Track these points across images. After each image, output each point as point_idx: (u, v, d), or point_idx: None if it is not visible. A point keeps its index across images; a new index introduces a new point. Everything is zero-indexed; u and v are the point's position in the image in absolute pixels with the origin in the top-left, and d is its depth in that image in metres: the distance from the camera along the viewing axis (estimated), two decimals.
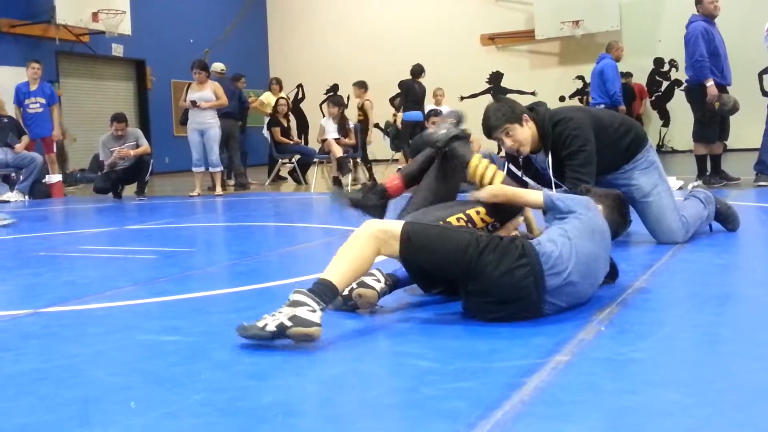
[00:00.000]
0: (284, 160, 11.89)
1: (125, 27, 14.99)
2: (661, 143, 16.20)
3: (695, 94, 7.64)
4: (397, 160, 13.91)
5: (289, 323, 2.40)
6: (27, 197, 10.10)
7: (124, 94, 17.14)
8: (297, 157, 11.65)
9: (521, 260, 2.61)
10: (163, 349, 2.55)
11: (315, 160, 11.54)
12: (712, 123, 7.64)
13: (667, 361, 2.26)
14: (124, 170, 9.71)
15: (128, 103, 16.99)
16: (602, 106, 9.02)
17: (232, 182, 11.43)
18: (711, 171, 7.78)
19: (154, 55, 16.79)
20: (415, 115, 11.45)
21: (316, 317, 2.42)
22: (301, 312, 2.41)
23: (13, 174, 10.47)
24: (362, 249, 2.62)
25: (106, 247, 5.31)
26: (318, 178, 11.32)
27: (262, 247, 5.25)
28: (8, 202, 9.75)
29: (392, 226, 2.69)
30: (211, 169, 9.92)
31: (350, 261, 2.60)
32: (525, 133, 3.94)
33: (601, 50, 10.20)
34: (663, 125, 16.46)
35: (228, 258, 4.84)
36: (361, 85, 12.17)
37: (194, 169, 9.99)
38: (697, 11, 7.68)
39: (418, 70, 11.74)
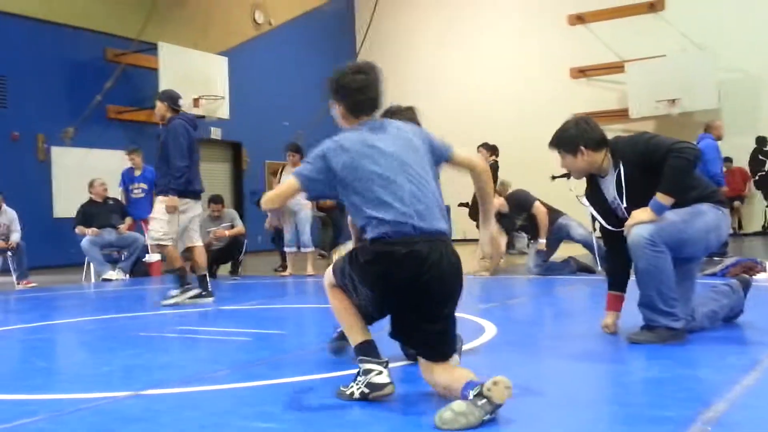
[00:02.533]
0: None
1: (224, 111, 15.65)
2: (765, 224, 15.59)
3: None
4: None
5: (367, 390, 2.93)
6: (127, 276, 10.47)
7: (220, 175, 17.75)
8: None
9: None
10: None
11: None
12: None
13: None
14: (219, 250, 9.99)
15: (224, 184, 17.57)
16: None
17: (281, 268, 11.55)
18: None
19: (250, 138, 17.40)
20: None
21: (385, 377, 2.93)
22: (372, 378, 2.92)
23: (115, 253, 10.90)
24: (339, 301, 3.10)
25: (201, 328, 5.42)
26: None
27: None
28: (110, 280, 10.13)
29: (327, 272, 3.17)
30: (302, 249, 10.07)
31: (348, 315, 3.08)
32: (574, 164, 4.10)
33: (700, 129, 9.96)
34: None
35: (320, 341, 4.85)
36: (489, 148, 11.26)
37: (286, 249, 10.17)
38: None
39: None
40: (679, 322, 3.94)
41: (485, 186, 3.32)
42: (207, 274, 7.19)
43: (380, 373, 2.93)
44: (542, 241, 8.25)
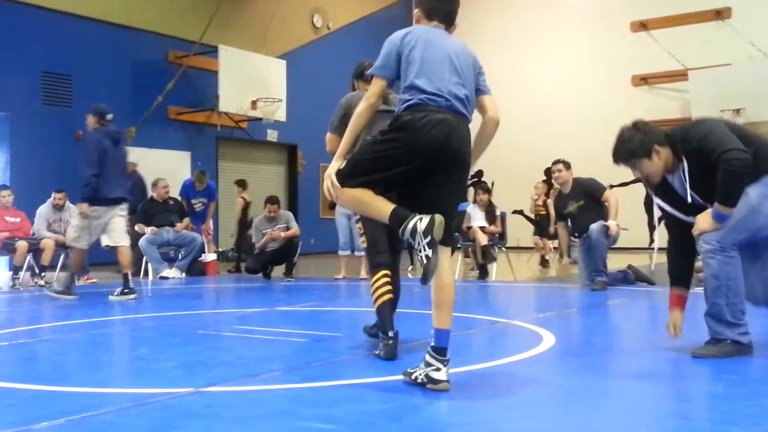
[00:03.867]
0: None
1: (281, 114, 15.82)
2: None
3: None
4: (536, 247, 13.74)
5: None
6: (184, 274, 10.64)
7: (276, 177, 17.95)
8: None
9: None
10: None
11: (458, 246, 11.53)
12: None
13: None
14: (274, 251, 10.08)
15: (280, 186, 17.76)
16: None
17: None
18: None
19: (305, 140, 17.54)
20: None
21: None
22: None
23: (172, 252, 11.08)
24: (358, 193, 3.29)
25: (258, 328, 5.47)
26: (461, 265, 11.29)
27: (405, 334, 5.24)
28: (167, 278, 10.31)
29: None
30: (356, 253, 10.10)
31: (371, 197, 3.27)
32: (653, 167, 3.95)
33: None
34: None
35: (376, 344, 4.86)
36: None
37: (340, 252, 10.22)
38: None
39: None
40: (747, 336, 3.84)
41: (487, 137, 3.49)
42: (129, 273, 7.63)
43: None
44: (613, 222, 8.00)
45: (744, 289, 3.82)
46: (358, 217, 4.48)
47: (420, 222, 3.10)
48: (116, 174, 7.63)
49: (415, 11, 3.60)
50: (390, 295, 4.11)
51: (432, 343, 3.24)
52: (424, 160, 3.21)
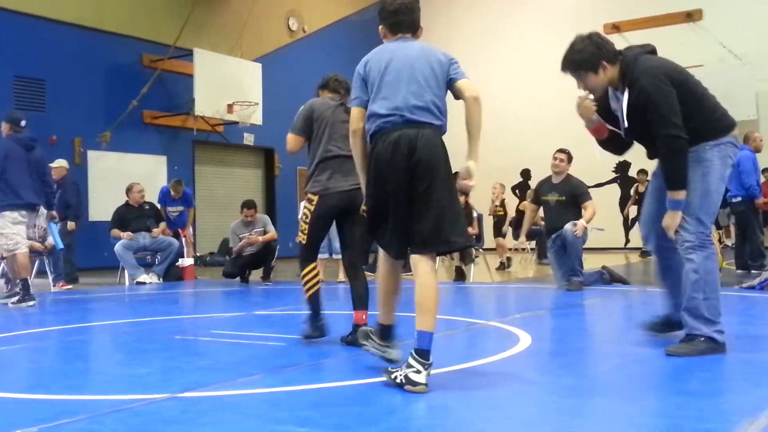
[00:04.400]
0: None
1: (257, 117, 15.78)
2: None
3: None
4: (521, 249, 13.81)
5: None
6: (161, 279, 10.57)
7: (252, 181, 17.89)
8: None
9: None
10: None
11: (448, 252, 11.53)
12: None
13: None
14: (251, 256, 10.05)
15: (256, 190, 17.71)
16: (739, 199, 8.66)
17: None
18: None
19: (282, 143, 17.31)
20: None
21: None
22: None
23: (149, 257, 11.01)
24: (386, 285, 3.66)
25: (236, 332, 5.45)
26: (439, 267, 11.32)
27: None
28: (144, 283, 10.24)
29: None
30: (334, 256, 10.08)
31: (387, 299, 3.68)
32: (597, 81, 4.06)
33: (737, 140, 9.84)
34: None
35: (353, 347, 4.86)
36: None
37: (319, 256, 10.17)
38: None
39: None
40: (722, 336, 3.90)
41: (472, 116, 3.48)
42: (28, 279, 7.67)
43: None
44: (582, 222, 8.00)
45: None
46: (303, 214, 4.92)
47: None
48: (26, 180, 7.69)
49: (380, 28, 3.73)
50: (318, 285, 4.80)
51: (415, 346, 3.32)
52: (400, 178, 3.38)
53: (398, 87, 3.45)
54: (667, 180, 3.90)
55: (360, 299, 4.66)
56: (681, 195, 3.85)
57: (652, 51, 4.10)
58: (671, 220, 3.91)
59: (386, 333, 3.64)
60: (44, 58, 13.43)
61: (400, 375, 3.29)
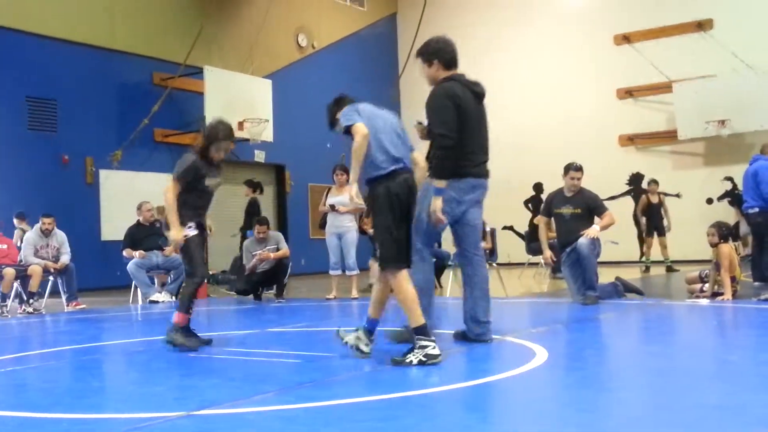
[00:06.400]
0: None
1: (268, 134, 15.79)
2: None
3: None
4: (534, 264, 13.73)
5: (425, 359, 4.18)
6: (174, 298, 10.56)
7: (264, 198, 17.84)
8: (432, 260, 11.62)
9: None
10: None
11: (450, 263, 11.50)
12: None
13: None
14: (264, 273, 10.03)
15: (268, 207, 17.70)
16: (756, 210, 8.56)
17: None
18: None
19: (293, 160, 17.54)
20: None
21: (437, 350, 4.24)
22: (429, 350, 4.21)
23: (162, 275, 11.01)
24: (406, 289, 4.51)
25: (250, 350, 5.43)
26: (452, 282, 11.26)
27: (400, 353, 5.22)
28: (157, 302, 10.24)
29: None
30: (347, 273, 10.05)
31: (413, 303, 4.44)
32: (426, 74, 5.13)
33: (752, 150, 9.76)
34: None
35: (368, 364, 4.82)
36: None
37: (331, 272, 10.16)
38: None
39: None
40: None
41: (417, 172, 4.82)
42: None
43: (434, 347, 4.22)
44: (596, 227, 7.95)
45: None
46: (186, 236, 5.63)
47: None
48: None
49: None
50: (195, 296, 5.63)
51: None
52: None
53: (393, 141, 4.68)
54: (430, 168, 4.94)
55: None
56: (442, 184, 4.88)
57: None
58: (437, 202, 4.90)
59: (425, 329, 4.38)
60: (56, 78, 13.53)
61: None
